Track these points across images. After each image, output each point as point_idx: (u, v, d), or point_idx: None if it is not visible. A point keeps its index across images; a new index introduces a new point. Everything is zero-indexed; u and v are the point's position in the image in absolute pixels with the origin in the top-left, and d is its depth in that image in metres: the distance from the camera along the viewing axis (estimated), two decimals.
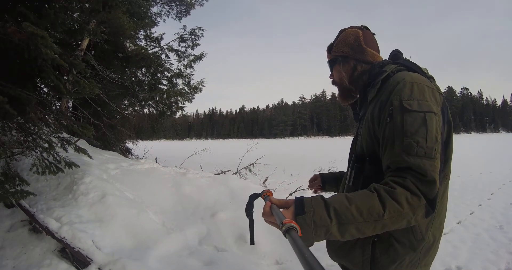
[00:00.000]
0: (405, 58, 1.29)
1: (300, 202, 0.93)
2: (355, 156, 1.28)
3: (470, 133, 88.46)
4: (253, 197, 1.22)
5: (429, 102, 1.02)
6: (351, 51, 1.32)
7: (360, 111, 1.39)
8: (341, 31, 1.38)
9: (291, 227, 0.77)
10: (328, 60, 1.43)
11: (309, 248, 0.68)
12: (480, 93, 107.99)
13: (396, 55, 1.30)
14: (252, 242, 1.22)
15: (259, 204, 1.02)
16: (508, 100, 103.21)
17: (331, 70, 1.43)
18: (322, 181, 1.73)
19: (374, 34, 1.38)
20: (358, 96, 1.40)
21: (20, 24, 2.22)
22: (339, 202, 0.92)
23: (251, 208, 1.20)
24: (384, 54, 1.36)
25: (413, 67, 1.17)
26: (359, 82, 1.33)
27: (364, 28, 1.35)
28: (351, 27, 1.37)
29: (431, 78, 1.18)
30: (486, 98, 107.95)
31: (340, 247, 1.25)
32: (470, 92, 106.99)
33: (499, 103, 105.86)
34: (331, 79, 1.45)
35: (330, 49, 1.41)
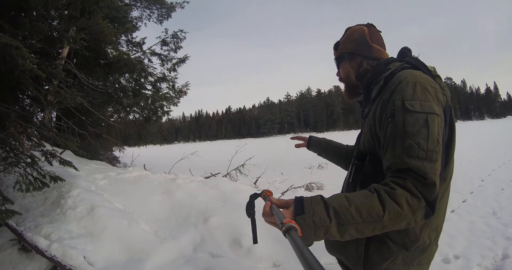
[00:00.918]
0: (413, 56, 1.29)
1: (299, 202, 0.93)
2: (356, 153, 1.28)
3: (456, 121, 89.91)
4: (254, 196, 1.21)
5: (431, 102, 1.02)
6: (357, 47, 1.34)
7: (365, 108, 1.38)
8: (348, 29, 1.40)
9: (291, 227, 0.78)
10: (335, 57, 1.45)
11: (309, 247, 0.71)
12: (463, 82, 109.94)
13: (404, 52, 1.31)
14: (255, 241, 1.20)
15: (259, 204, 1.00)
16: (492, 88, 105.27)
17: (338, 67, 1.45)
18: (308, 143, 1.91)
19: (380, 32, 1.39)
20: (363, 93, 1.40)
21: None
22: (338, 202, 0.92)
23: (253, 207, 1.18)
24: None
25: (418, 65, 1.16)
26: (365, 79, 1.33)
27: (370, 26, 1.37)
28: (357, 25, 1.39)
29: (437, 77, 1.17)
30: (470, 86, 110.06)
31: (336, 242, 1.28)
32: (453, 82, 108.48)
33: (482, 91, 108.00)
34: (338, 77, 1.47)
35: (336, 46, 1.43)
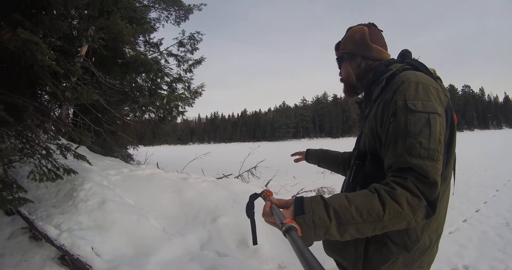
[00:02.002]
0: (413, 58, 1.28)
1: (299, 202, 0.92)
2: (357, 153, 1.27)
3: (473, 130, 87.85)
4: (253, 197, 1.21)
5: (433, 103, 1.01)
6: (356, 48, 1.33)
7: (365, 109, 1.38)
8: (349, 29, 1.39)
9: (291, 227, 0.77)
10: (336, 57, 1.45)
11: (309, 247, 0.68)
12: (481, 90, 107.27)
13: (404, 54, 1.30)
14: (254, 242, 1.20)
15: (259, 204, 1.01)
16: (510, 96, 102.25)
17: (340, 67, 1.46)
18: (306, 156, 1.96)
19: (382, 31, 1.38)
20: (363, 94, 1.41)
21: (16, 31, 2.22)
22: (338, 202, 0.91)
23: (252, 208, 1.19)
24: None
25: (419, 67, 1.16)
26: (365, 79, 1.33)
27: (371, 25, 1.36)
28: (358, 25, 1.38)
29: (437, 79, 1.16)
30: (488, 95, 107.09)
31: (334, 243, 1.26)
32: (471, 90, 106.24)
33: (501, 99, 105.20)
34: (340, 76, 1.47)
35: (338, 46, 1.43)
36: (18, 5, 2.65)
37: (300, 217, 0.88)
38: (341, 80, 1.47)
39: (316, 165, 1.94)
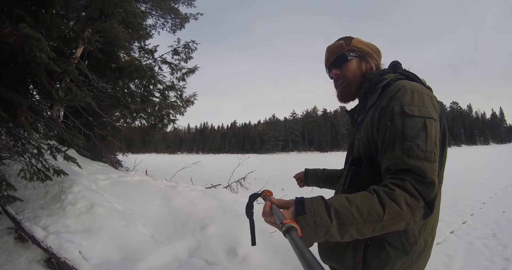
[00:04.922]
0: (404, 68, 1.33)
1: (300, 203, 0.93)
2: (351, 159, 1.28)
3: (460, 146, 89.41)
4: (253, 197, 1.21)
5: (428, 109, 1.05)
6: (372, 53, 1.36)
7: (358, 117, 1.40)
8: (351, 37, 1.39)
9: (291, 227, 0.77)
10: (342, 53, 1.35)
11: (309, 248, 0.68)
12: (469, 106, 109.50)
13: (395, 65, 1.35)
14: (253, 243, 1.17)
15: (259, 206, 1.00)
16: (497, 113, 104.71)
17: (341, 65, 1.36)
18: (305, 176, 1.90)
19: None
20: (358, 102, 1.42)
21: (17, 26, 2.20)
22: (339, 203, 0.92)
23: (251, 208, 1.18)
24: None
25: (412, 77, 1.22)
26: (362, 87, 1.34)
27: None
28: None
29: (429, 89, 1.21)
30: (476, 111, 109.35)
31: (331, 249, 1.26)
32: (459, 106, 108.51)
33: (488, 116, 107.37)
34: (337, 74, 1.37)
35: (349, 43, 1.35)
36: (19, 1, 2.63)
37: (301, 217, 0.88)
38: (341, 78, 1.37)
39: (316, 186, 1.88)
